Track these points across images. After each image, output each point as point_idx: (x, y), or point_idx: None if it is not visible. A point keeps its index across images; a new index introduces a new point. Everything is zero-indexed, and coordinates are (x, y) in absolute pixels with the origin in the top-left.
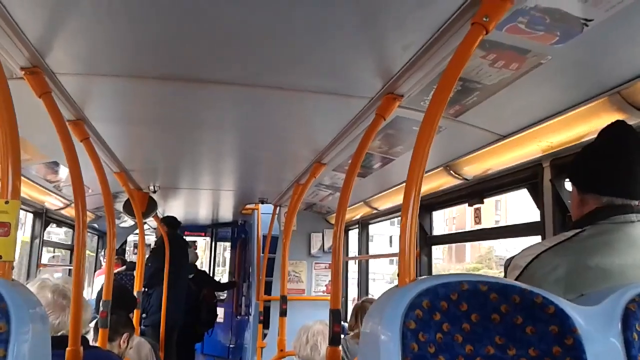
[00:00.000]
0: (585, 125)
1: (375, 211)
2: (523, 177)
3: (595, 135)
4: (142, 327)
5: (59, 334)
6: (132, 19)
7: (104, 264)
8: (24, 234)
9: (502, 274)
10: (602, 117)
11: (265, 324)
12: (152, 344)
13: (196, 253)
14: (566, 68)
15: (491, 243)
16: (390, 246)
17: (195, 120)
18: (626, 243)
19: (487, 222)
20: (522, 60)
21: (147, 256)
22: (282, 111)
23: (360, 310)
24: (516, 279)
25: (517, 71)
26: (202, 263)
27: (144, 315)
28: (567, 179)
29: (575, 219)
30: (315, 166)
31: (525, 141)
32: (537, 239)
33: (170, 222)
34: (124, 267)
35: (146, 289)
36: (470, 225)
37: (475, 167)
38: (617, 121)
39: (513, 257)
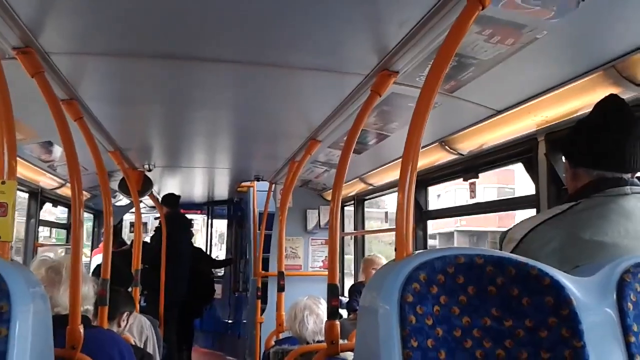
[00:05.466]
0: (580, 100)
1: (370, 187)
2: (518, 151)
3: (590, 110)
4: (141, 304)
5: (54, 310)
6: None
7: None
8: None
9: None
10: (597, 91)
11: (263, 299)
12: (151, 320)
13: (191, 230)
14: (562, 43)
15: None
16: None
17: (190, 99)
18: (619, 215)
19: None
20: (518, 36)
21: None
22: (276, 88)
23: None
24: (512, 252)
25: (512, 46)
26: (197, 240)
27: (144, 292)
28: (561, 153)
29: (570, 192)
30: (310, 143)
31: (521, 116)
32: (532, 212)
33: (167, 200)
34: (126, 246)
35: (147, 267)
36: None
37: (471, 142)
38: (609, 95)
39: (508, 230)
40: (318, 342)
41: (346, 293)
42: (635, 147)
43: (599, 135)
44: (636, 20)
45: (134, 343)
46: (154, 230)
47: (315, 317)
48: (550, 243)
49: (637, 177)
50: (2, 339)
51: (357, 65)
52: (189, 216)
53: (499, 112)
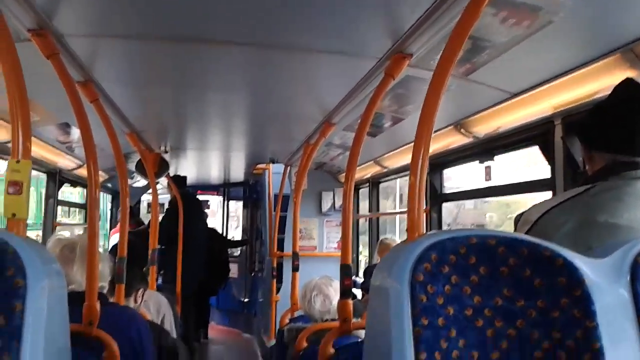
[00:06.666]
0: (597, 83)
1: (385, 170)
2: (534, 134)
3: (607, 93)
4: (158, 283)
5: (69, 288)
6: None
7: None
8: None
9: None
10: (614, 74)
11: (279, 279)
12: (168, 298)
13: (205, 212)
14: (578, 25)
15: None
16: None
17: (205, 81)
18: (635, 197)
19: None
20: (534, 18)
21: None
22: (291, 71)
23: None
24: (526, 233)
25: (528, 29)
26: (214, 221)
27: (161, 272)
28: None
29: (589, 174)
30: (325, 126)
31: (537, 99)
32: (548, 195)
33: (175, 181)
34: (143, 226)
35: (162, 247)
36: None
37: (486, 126)
38: (624, 79)
39: (523, 212)
40: (326, 321)
41: (360, 273)
42: None
43: (612, 118)
44: None
45: (150, 319)
46: (165, 212)
47: (324, 297)
48: (565, 225)
49: None
50: (18, 313)
51: (371, 48)
52: (205, 197)
53: (515, 95)
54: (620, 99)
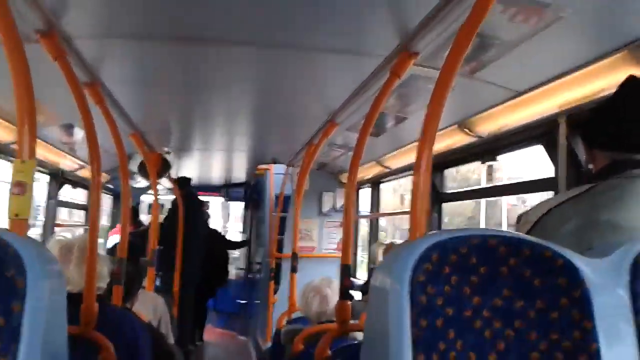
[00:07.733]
0: (603, 81)
1: (387, 170)
2: (538, 133)
3: (613, 91)
4: (156, 284)
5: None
6: None
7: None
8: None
9: None
10: (621, 71)
11: (277, 280)
12: (166, 300)
13: (207, 212)
14: (586, 21)
15: None
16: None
17: (209, 82)
18: (638, 196)
19: None
20: (542, 14)
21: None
22: (295, 71)
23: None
24: (527, 233)
25: (536, 25)
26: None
27: (159, 273)
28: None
29: (592, 173)
30: (328, 126)
31: (542, 97)
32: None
33: (179, 182)
34: (143, 227)
35: (162, 247)
36: None
37: (490, 125)
38: (628, 77)
39: (526, 211)
40: (323, 322)
41: (358, 274)
42: None
43: (612, 116)
44: None
45: (147, 320)
46: (168, 212)
47: (321, 297)
48: (567, 224)
49: None
50: (17, 314)
51: (377, 46)
52: (206, 198)
53: (520, 93)
54: (622, 96)
